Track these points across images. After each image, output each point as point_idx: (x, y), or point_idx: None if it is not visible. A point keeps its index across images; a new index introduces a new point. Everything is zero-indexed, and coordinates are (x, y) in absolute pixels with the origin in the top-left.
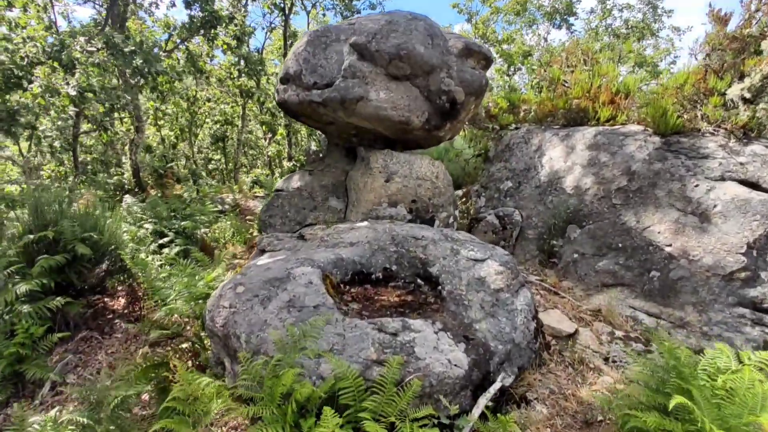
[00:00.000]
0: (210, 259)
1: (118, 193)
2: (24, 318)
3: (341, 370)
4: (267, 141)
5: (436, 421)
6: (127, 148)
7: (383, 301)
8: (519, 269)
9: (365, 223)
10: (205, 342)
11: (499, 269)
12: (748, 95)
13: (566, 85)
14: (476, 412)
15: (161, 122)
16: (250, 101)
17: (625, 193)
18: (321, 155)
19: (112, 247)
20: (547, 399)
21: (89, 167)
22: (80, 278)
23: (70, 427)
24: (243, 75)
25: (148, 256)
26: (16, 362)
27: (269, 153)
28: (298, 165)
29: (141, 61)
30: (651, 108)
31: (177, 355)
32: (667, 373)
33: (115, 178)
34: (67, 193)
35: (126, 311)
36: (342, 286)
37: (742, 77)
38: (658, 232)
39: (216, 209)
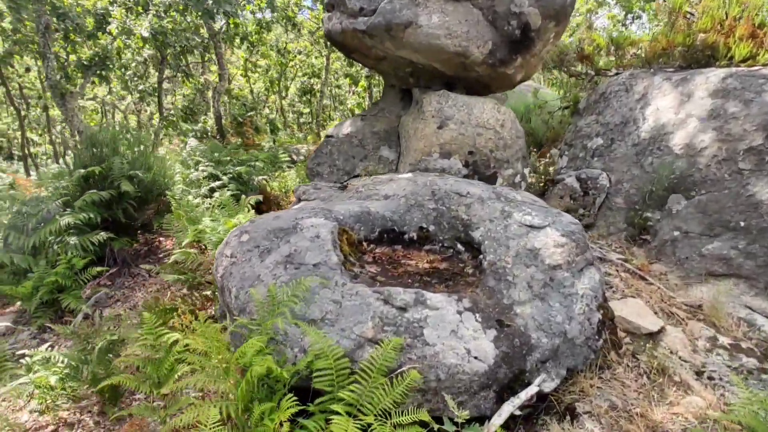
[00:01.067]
0: (235, 206)
1: (202, 139)
2: (70, 250)
3: (321, 346)
4: (351, 93)
5: (437, 428)
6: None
7: (410, 266)
8: (590, 244)
9: (408, 174)
10: None
11: (560, 240)
12: None
13: (690, 17)
14: (497, 421)
15: (252, 74)
16: (334, 51)
17: (758, 155)
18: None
19: (160, 188)
20: (604, 416)
21: (174, 114)
22: (126, 215)
23: (59, 365)
24: None
25: (196, 199)
26: (57, 291)
27: (349, 105)
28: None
29: (211, 1)
30: None
31: (197, 302)
32: None
33: (200, 125)
34: (129, 134)
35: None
36: (365, 244)
37: None
38: None
39: (287, 159)
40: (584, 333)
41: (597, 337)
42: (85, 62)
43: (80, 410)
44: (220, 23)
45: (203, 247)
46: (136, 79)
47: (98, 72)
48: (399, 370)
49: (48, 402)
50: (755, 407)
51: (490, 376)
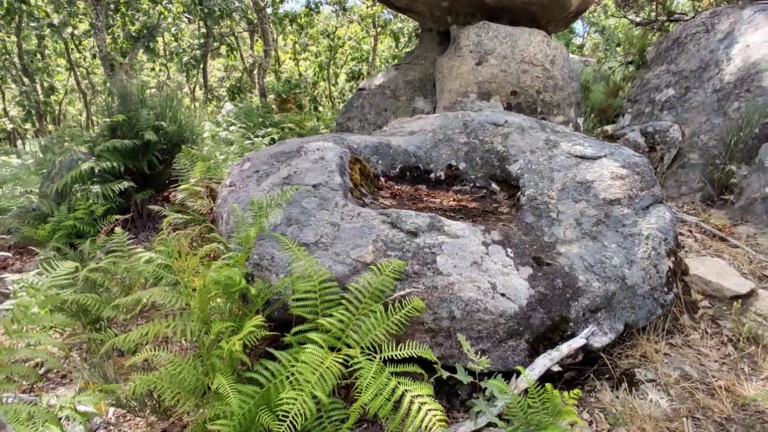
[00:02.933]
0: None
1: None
2: (92, 197)
3: (303, 266)
4: None
5: (445, 376)
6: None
7: (433, 203)
8: (656, 180)
9: (435, 114)
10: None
11: (619, 172)
12: None
13: None
14: (531, 374)
15: (300, 57)
16: (382, 35)
17: None
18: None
19: (188, 142)
20: (674, 386)
21: (223, 91)
22: (150, 167)
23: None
24: (377, 3)
25: (222, 156)
26: (75, 236)
27: None
28: None
29: None
30: None
31: (201, 243)
32: None
33: (245, 102)
34: (152, 88)
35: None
36: (383, 180)
37: None
38: None
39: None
40: (648, 282)
41: (666, 289)
42: (134, 34)
43: (69, 346)
44: None
45: (212, 188)
46: (180, 51)
47: (146, 44)
48: (395, 296)
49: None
50: None
51: (522, 321)
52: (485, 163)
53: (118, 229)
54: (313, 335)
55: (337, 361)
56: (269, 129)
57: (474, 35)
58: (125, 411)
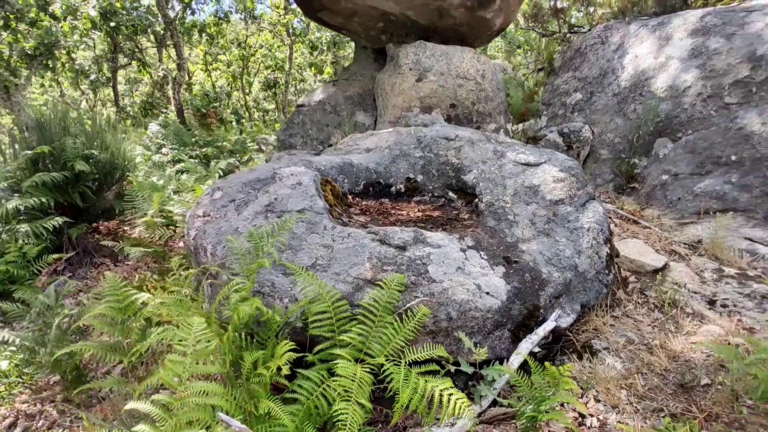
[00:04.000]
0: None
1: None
2: (21, 237)
3: (314, 289)
4: (315, 83)
5: (453, 369)
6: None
7: (402, 215)
8: (588, 179)
9: (389, 129)
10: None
11: (559, 175)
12: None
13: None
14: (515, 360)
15: (212, 68)
16: (296, 43)
17: (744, 87)
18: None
19: (120, 169)
20: (623, 350)
21: (133, 108)
22: (84, 200)
23: (10, 348)
24: (290, 11)
25: (160, 181)
26: (8, 282)
27: None
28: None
29: None
30: None
31: (159, 278)
32: None
33: (160, 118)
34: (74, 114)
35: (142, 237)
36: (351, 197)
37: None
38: None
39: (255, 148)
40: (594, 267)
41: (607, 271)
42: (29, 51)
43: (41, 400)
44: (176, 8)
45: (169, 218)
46: (87, 68)
47: (44, 62)
48: (406, 307)
49: (1, 391)
50: None
51: (504, 313)
52: (441, 174)
53: (108, 274)
54: (338, 351)
55: (365, 371)
56: (204, 149)
57: (412, 54)
58: None
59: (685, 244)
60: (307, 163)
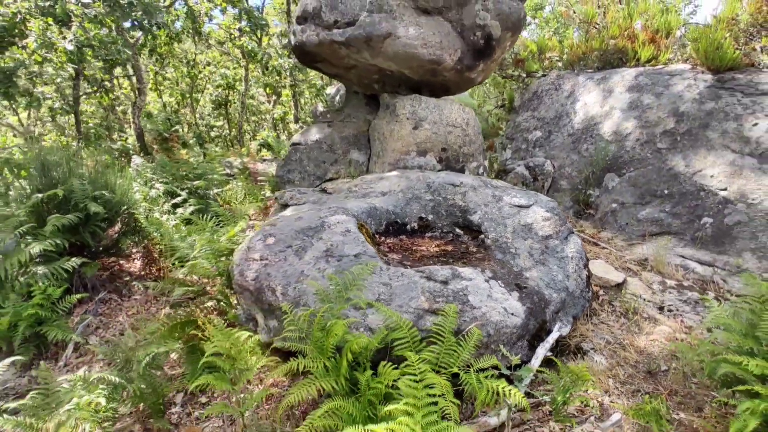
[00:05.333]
0: (230, 214)
1: (122, 158)
2: (40, 279)
3: (394, 320)
4: (271, 104)
5: (497, 373)
6: (129, 112)
7: (422, 251)
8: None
9: (395, 172)
10: (232, 299)
11: (546, 215)
12: None
13: (598, 26)
14: (536, 362)
15: (162, 87)
16: (252, 63)
17: (671, 136)
18: (340, 106)
19: (125, 207)
20: (604, 349)
21: (92, 132)
22: (95, 239)
23: (100, 386)
24: (244, 34)
25: (162, 216)
26: (36, 324)
27: (275, 115)
28: (305, 127)
29: (140, 12)
30: (703, 42)
31: (203, 314)
32: (758, 316)
33: (119, 143)
34: (72, 155)
35: (143, 273)
36: (377, 236)
37: None
38: (711, 176)
39: (224, 172)
40: (579, 287)
41: (587, 289)
42: None
43: (123, 431)
44: (137, 35)
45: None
46: (50, 96)
47: (2, 90)
48: (460, 331)
49: (85, 428)
50: (724, 314)
51: (524, 328)
52: (449, 214)
53: (214, 318)
54: (422, 365)
55: (445, 379)
56: (195, 182)
57: (409, 106)
58: None
59: (635, 261)
60: (344, 210)
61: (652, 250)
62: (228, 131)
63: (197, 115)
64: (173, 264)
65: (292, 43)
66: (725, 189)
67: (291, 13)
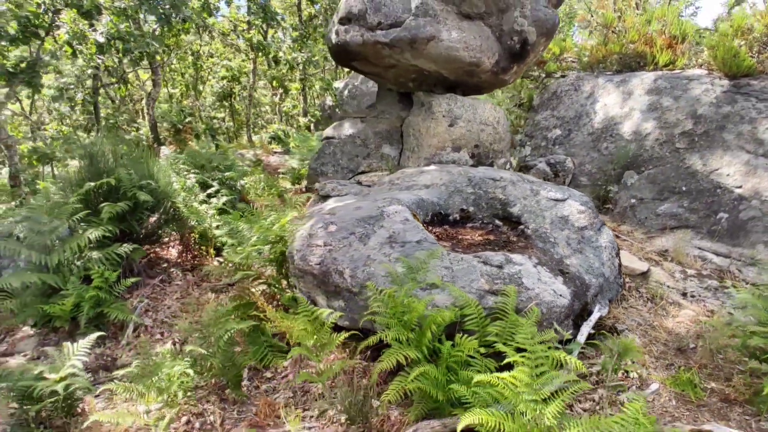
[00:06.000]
0: (281, 204)
1: (136, 148)
2: (95, 264)
3: (463, 299)
4: (278, 97)
5: (553, 346)
6: (142, 103)
7: (468, 239)
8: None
9: (434, 167)
10: (283, 283)
11: (580, 208)
12: None
13: (615, 31)
14: (581, 339)
15: (166, 78)
16: (261, 56)
17: (689, 137)
18: (373, 102)
19: (168, 196)
20: (636, 329)
21: (111, 123)
22: (140, 226)
23: (186, 359)
24: (253, 27)
25: (201, 206)
26: (96, 305)
27: (284, 109)
28: (313, 120)
29: (168, 5)
30: (721, 50)
31: (261, 297)
32: None
33: (132, 133)
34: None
35: (179, 260)
36: (425, 225)
37: None
38: (727, 175)
39: (247, 164)
40: (613, 273)
41: (619, 276)
42: (10, 69)
43: (201, 400)
44: (153, 26)
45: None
46: (71, 87)
47: (26, 80)
48: (526, 309)
49: (178, 395)
50: (751, 297)
51: (569, 308)
52: (489, 206)
53: (299, 296)
54: (491, 338)
55: (512, 349)
56: (226, 173)
57: (446, 104)
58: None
59: (655, 252)
60: (398, 201)
61: (671, 243)
62: (232, 124)
63: (200, 107)
64: (226, 252)
65: (333, 41)
66: (740, 187)
67: (301, 8)
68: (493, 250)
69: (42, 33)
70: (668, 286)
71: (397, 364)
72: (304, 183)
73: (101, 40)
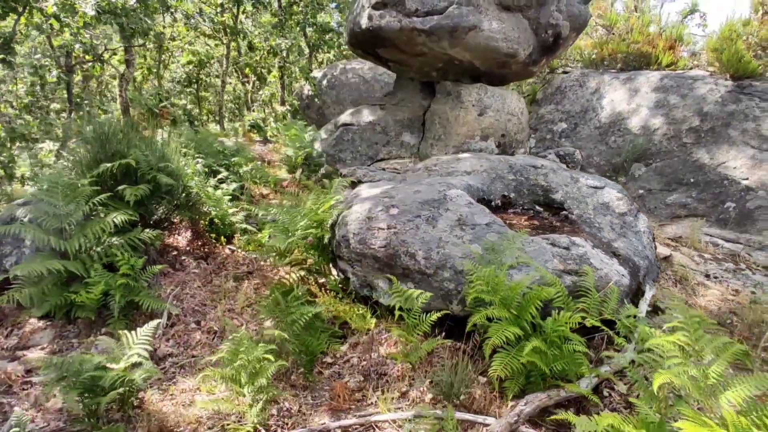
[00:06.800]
0: (321, 188)
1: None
2: (118, 250)
3: (549, 278)
4: (251, 85)
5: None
6: (115, 84)
7: (515, 224)
8: None
9: (467, 154)
10: (325, 269)
11: (618, 195)
12: None
13: (617, 32)
14: (643, 312)
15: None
16: (235, 40)
17: (696, 132)
18: (391, 90)
19: (183, 180)
20: (674, 308)
21: (83, 103)
22: (157, 211)
23: (261, 344)
24: (227, 10)
25: (216, 191)
26: (127, 294)
27: (262, 97)
28: (291, 110)
29: None
30: (726, 52)
31: (309, 281)
32: None
33: (102, 116)
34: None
35: (188, 248)
36: None
37: None
38: (734, 168)
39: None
40: (654, 256)
41: (657, 259)
42: None
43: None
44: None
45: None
46: (46, 63)
47: (2, 57)
48: (604, 291)
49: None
50: None
51: (629, 287)
52: (531, 192)
53: (393, 277)
54: (581, 314)
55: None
56: (233, 159)
57: (476, 93)
58: None
59: (670, 239)
60: (451, 185)
61: (683, 230)
62: (198, 111)
63: (163, 92)
64: (267, 238)
65: (363, 26)
66: (747, 178)
67: None
68: (544, 234)
69: (19, 8)
70: (691, 269)
71: (479, 342)
72: (299, 172)
73: (91, 12)
